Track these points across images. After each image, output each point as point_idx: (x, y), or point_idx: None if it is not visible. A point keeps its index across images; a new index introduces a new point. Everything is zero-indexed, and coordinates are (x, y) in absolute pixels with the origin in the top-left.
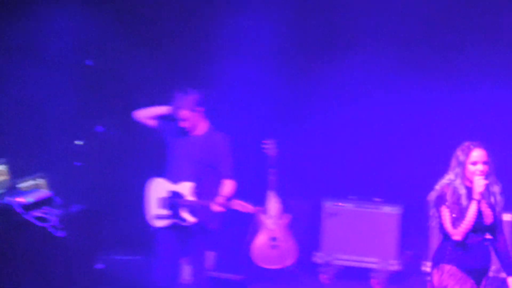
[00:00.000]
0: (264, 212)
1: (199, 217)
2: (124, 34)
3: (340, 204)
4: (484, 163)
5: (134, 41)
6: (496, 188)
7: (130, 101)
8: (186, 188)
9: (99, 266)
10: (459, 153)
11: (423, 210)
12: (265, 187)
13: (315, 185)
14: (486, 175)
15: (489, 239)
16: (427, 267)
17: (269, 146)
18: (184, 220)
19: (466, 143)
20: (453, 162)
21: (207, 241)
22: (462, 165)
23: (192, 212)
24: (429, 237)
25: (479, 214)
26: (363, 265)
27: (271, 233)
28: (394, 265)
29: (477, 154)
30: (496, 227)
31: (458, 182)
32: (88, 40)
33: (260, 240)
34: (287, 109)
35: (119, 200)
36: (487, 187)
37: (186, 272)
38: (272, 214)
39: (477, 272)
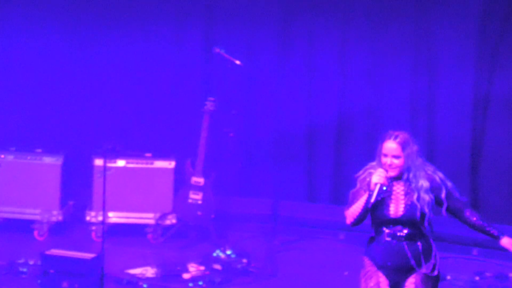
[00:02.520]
0: None
1: None
2: None
3: (0, 155)
4: (395, 157)
5: None
6: (423, 183)
7: None
8: None
9: None
10: (380, 141)
11: (85, 160)
12: None
13: None
14: (403, 169)
15: (406, 236)
16: (90, 216)
17: None
18: None
19: (389, 132)
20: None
21: None
22: (378, 153)
23: None
24: (92, 186)
25: (382, 206)
26: (26, 216)
27: None
28: (56, 216)
29: (388, 146)
30: (414, 222)
31: (374, 169)
32: None
33: None
34: None
35: None
36: (415, 180)
37: None
38: None
39: (391, 269)
